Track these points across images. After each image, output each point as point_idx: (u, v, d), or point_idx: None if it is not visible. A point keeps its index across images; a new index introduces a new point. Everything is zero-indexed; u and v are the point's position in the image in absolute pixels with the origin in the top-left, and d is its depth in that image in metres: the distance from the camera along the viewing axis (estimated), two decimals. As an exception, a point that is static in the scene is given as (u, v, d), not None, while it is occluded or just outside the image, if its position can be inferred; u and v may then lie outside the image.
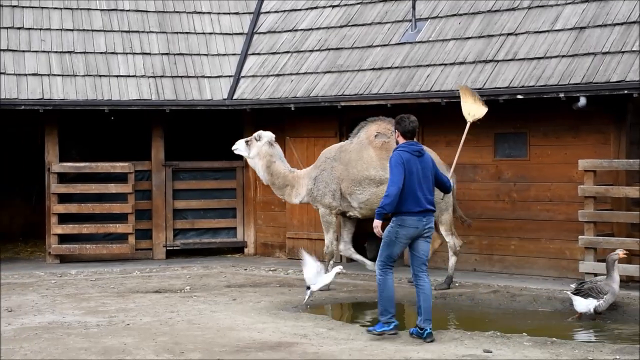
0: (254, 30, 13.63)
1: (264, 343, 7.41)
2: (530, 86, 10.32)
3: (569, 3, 10.92)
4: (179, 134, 13.92)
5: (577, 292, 8.59)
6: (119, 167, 12.66)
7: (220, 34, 13.56)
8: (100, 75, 12.56)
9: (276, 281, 10.80)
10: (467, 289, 10.00)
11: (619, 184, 9.98)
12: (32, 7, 12.93)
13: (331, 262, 10.38)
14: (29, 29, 12.72)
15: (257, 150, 10.55)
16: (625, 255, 8.82)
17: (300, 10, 13.54)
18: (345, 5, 13.10)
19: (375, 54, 12.06)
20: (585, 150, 10.39)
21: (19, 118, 13.35)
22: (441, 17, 11.94)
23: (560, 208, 10.67)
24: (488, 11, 11.55)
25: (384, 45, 12.11)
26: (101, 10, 13.22)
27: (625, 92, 9.70)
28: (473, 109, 9.82)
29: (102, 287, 10.47)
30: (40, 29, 12.76)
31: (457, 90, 10.60)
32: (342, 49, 12.50)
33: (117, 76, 12.63)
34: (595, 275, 9.37)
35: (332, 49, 12.60)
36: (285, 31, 13.38)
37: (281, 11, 13.70)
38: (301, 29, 13.23)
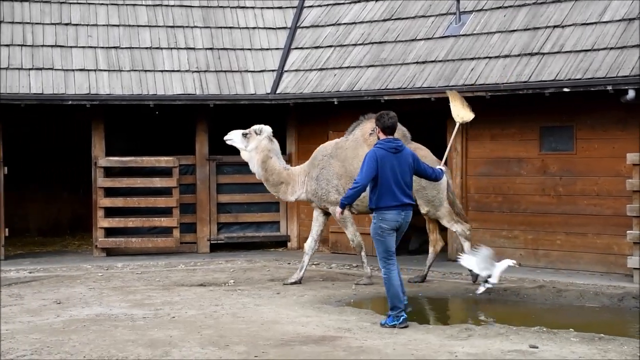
0: (297, 25, 13.64)
1: (308, 337, 7.43)
2: (577, 79, 10.18)
3: (617, -6, 10.75)
4: (223, 128, 13.98)
5: None
6: (164, 161, 12.78)
7: (264, 28, 13.60)
8: (145, 70, 12.70)
9: (319, 275, 10.81)
10: (512, 283, 9.90)
11: (669, 178, 9.80)
12: (79, 3, 13.11)
13: (363, 253, 10.27)
14: (77, 24, 12.91)
15: (256, 144, 10.32)
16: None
17: (343, 4, 13.51)
18: (388, -2, 13.06)
19: (419, 48, 11.99)
20: (633, 144, 10.20)
21: (65, 113, 13.58)
22: (486, 9, 11.83)
23: (607, 202, 10.51)
24: (534, 3, 11.41)
25: (428, 38, 12.04)
26: (146, 5, 13.36)
27: (676, 84, 9.53)
28: (462, 113, 9.84)
29: (148, 280, 10.59)
30: (87, 25, 12.94)
31: (503, 83, 10.52)
32: (386, 42, 12.45)
33: (162, 71, 12.75)
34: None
35: (376, 42, 12.55)
36: (328, 25, 13.37)
37: (324, 5, 13.69)
38: (344, 23, 13.21)
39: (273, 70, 13.14)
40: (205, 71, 12.91)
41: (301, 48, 13.33)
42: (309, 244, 10.32)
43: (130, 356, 6.75)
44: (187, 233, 13.04)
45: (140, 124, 14.10)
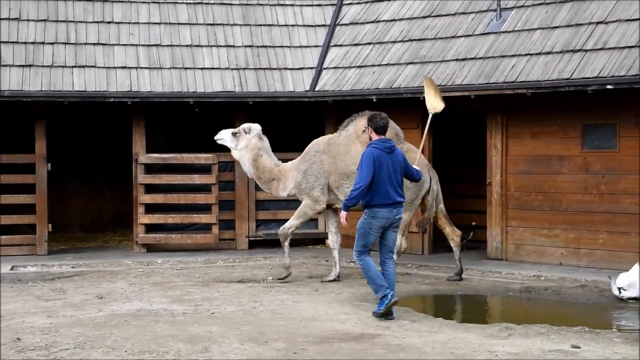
0: (336, 22, 13.63)
1: (347, 334, 7.42)
2: (621, 76, 10.03)
3: (662, -11, 10.57)
4: (262, 125, 14.01)
5: None
6: (203, 158, 12.87)
7: (303, 25, 13.62)
8: (185, 68, 12.79)
9: (357, 273, 10.77)
10: (553, 282, 9.80)
11: None
12: (121, 2, 13.25)
13: (286, 244, 10.23)
14: (119, 22, 13.05)
15: (246, 142, 10.34)
16: None
17: (382, 1, 13.47)
18: (428, -5, 12.99)
19: (459, 45, 11.91)
20: (678, 142, 10.04)
21: (104, 110, 13.73)
22: (527, 6, 11.71)
23: (651, 201, 10.35)
24: (576, 0, 11.26)
25: (468, 35, 11.95)
26: (187, 3, 13.46)
27: None
28: (434, 103, 9.78)
29: (187, 276, 10.67)
30: (129, 23, 13.07)
31: (544, 80, 10.40)
32: (425, 39, 12.39)
33: (201, 68, 12.84)
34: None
35: (415, 39, 12.50)
36: (367, 22, 13.34)
37: (363, 2, 13.66)
38: (384, 20, 13.17)
39: (312, 68, 13.15)
40: (244, 68, 12.97)
41: (340, 45, 13.31)
42: (332, 239, 10.39)
43: (171, 351, 6.81)
44: (225, 230, 13.12)
45: (179, 121, 14.21)
